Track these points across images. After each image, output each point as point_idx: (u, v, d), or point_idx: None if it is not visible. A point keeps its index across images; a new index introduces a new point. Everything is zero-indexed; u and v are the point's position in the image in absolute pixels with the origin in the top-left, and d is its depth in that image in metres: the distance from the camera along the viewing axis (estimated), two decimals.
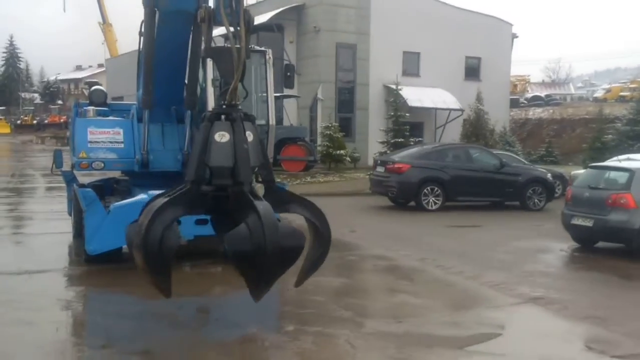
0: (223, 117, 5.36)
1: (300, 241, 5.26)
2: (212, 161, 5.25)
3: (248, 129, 5.38)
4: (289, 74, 13.14)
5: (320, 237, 5.75)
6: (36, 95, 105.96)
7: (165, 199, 5.11)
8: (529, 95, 64.77)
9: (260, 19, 29.33)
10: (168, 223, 5.01)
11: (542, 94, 64.09)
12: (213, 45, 6.08)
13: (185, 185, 5.23)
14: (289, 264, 5.21)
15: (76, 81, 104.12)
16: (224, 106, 5.45)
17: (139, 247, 4.98)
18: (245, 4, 5.98)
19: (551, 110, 47.93)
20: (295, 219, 6.12)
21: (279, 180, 13.85)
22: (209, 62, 9.22)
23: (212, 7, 6.08)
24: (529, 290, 8.59)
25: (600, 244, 11.79)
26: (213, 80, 9.71)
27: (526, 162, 22.28)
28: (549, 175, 18.38)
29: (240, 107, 5.58)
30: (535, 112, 48.16)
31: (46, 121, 79.61)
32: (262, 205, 5.02)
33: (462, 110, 32.37)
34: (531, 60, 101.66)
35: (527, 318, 7.80)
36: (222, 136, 5.27)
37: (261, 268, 4.98)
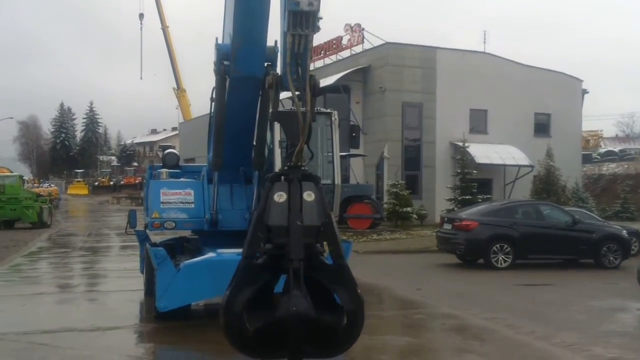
0: (283, 178, 5.58)
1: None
2: (270, 220, 5.48)
3: (309, 189, 5.52)
4: (354, 134, 13.42)
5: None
6: (113, 157, 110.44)
7: (228, 291, 5.35)
8: (602, 150, 63.22)
9: (327, 81, 30.01)
10: (240, 312, 5.28)
11: (616, 149, 62.46)
12: (280, 108, 6.32)
13: (240, 263, 5.45)
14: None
15: (151, 144, 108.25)
16: (286, 168, 5.66)
17: (232, 344, 5.40)
18: (311, 68, 6.22)
19: (626, 166, 46.56)
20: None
21: (344, 237, 13.89)
22: (276, 125, 9.49)
23: (279, 73, 6.36)
24: (604, 351, 8.28)
25: None
26: (280, 142, 9.98)
27: (600, 218, 21.67)
28: (624, 232, 17.81)
29: (306, 168, 5.76)
30: (609, 168, 46.88)
31: (122, 182, 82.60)
32: (296, 300, 5.20)
33: (532, 166, 31.89)
34: (604, 115, 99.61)
35: None
36: (280, 196, 5.48)
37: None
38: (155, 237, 11.66)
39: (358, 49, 36.03)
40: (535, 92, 34.47)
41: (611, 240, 17.20)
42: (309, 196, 5.46)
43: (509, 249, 16.36)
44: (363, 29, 35.78)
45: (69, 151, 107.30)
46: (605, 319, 10.66)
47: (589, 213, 21.83)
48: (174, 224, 9.92)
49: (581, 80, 37.92)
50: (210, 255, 9.00)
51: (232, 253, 8.53)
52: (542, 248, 16.82)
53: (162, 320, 9.10)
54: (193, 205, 9.98)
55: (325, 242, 5.81)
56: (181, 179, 10.67)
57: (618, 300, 12.56)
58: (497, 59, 34.94)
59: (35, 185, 60.51)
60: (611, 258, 16.94)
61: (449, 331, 9.85)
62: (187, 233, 11.00)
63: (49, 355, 7.88)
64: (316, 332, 5.41)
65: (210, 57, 8.59)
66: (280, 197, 5.45)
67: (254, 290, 5.48)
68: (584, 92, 38.73)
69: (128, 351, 8.25)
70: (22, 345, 8.23)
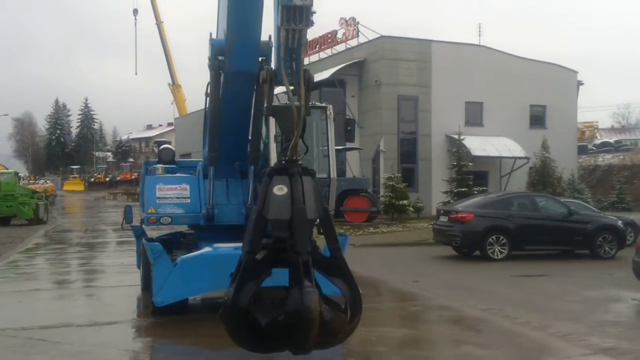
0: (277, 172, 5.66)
1: (334, 335, 5.62)
2: (270, 214, 5.50)
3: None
4: (349, 128, 13.42)
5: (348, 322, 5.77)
6: (109, 154, 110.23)
7: (233, 288, 5.38)
8: (597, 141, 63.33)
9: (322, 75, 30.01)
10: (246, 306, 5.38)
11: (612, 140, 62.56)
12: (275, 103, 6.35)
13: (242, 258, 5.47)
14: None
15: (147, 140, 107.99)
16: (284, 162, 5.70)
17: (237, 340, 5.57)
18: (306, 63, 6.25)
19: (621, 156, 46.72)
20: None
21: (341, 231, 13.97)
22: (272, 119, 9.50)
23: (273, 68, 6.38)
24: (600, 341, 8.32)
25: None
26: (275, 137, 9.96)
27: (595, 209, 21.74)
28: (619, 223, 17.87)
29: (300, 162, 5.79)
30: (605, 159, 47.03)
31: (118, 178, 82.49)
32: (308, 293, 5.24)
33: (527, 158, 31.96)
34: (599, 107, 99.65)
35: None
36: (281, 189, 5.52)
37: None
38: (152, 233, 11.68)
39: (353, 42, 36.02)
40: (530, 84, 34.52)
41: (606, 231, 17.27)
42: (279, 190, 5.48)
43: (504, 240, 16.43)
44: (358, 23, 35.78)
45: (65, 147, 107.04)
46: (601, 309, 10.72)
47: (584, 204, 21.90)
48: (170, 219, 9.93)
49: (576, 72, 37.98)
50: (206, 249, 9.03)
51: (229, 247, 8.56)
52: (538, 239, 16.89)
53: (159, 315, 9.12)
54: (189, 200, 9.99)
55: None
56: (177, 174, 10.68)
57: (613, 290, 12.62)
58: (492, 52, 34.95)
59: (31, 181, 60.48)
60: (607, 248, 17.02)
61: (445, 322, 9.89)
62: (183, 228, 11.02)
63: (46, 350, 7.89)
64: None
65: (205, 52, 8.61)
66: (281, 189, 5.55)
67: (256, 287, 5.51)
68: (579, 83, 38.79)
69: (126, 346, 8.27)
70: (20, 340, 8.25)
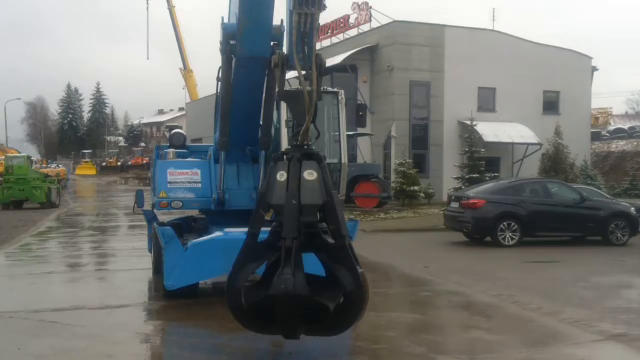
0: (285, 157, 5.67)
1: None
2: (272, 199, 5.60)
3: (310, 168, 5.56)
4: (360, 113, 13.39)
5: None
6: (120, 138, 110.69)
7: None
8: (611, 127, 62.82)
9: (334, 60, 29.88)
10: (240, 288, 5.64)
11: (625, 126, 62.04)
12: (287, 88, 6.35)
13: (245, 241, 5.58)
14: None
15: (158, 124, 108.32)
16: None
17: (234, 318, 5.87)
18: (317, 47, 6.22)
19: (635, 143, 46.31)
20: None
21: (352, 216, 14.01)
22: (283, 104, 9.49)
23: (285, 52, 6.36)
24: (611, 327, 8.29)
25: None
26: (286, 122, 9.97)
27: (608, 196, 21.61)
28: (632, 209, 17.75)
29: (312, 147, 5.80)
30: (618, 145, 46.66)
31: (129, 162, 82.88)
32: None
33: (540, 144, 31.78)
34: (613, 93, 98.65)
35: (609, 356, 7.55)
36: (281, 176, 5.58)
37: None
38: (163, 217, 11.73)
39: (365, 27, 35.78)
40: (544, 70, 34.24)
41: (619, 217, 17.16)
42: (309, 175, 5.51)
43: (516, 226, 16.36)
44: (370, 7, 35.50)
45: (77, 132, 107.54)
46: (612, 296, 10.69)
47: (597, 190, 21.79)
48: (181, 204, 9.96)
49: (590, 58, 37.61)
50: (217, 234, 9.06)
51: (239, 232, 8.57)
52: (549, 225, 16.81)
53: (170, 298, 9.19)
54: (200, 185, 10.01)
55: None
56: (188, 159, 10.70)
57: (625, 276, 12.58)
58: (505, 37, 34.68)
59: (43, 165, 60.75)
60: (619, 235, 16.93)
61: (455, 308, 9.89)
62: (194, 212, 11.05)
63: (59, 332, 7.96)
64: (314, 311, 5.51)
65: (217, 37, 8.59)
66: (281, 176, 5.54)
67: (256, 268, 5.61)
68: (594, 69, 38.44)
69: (137, 328, 8.34)
70: (33, 323, 8.32)
